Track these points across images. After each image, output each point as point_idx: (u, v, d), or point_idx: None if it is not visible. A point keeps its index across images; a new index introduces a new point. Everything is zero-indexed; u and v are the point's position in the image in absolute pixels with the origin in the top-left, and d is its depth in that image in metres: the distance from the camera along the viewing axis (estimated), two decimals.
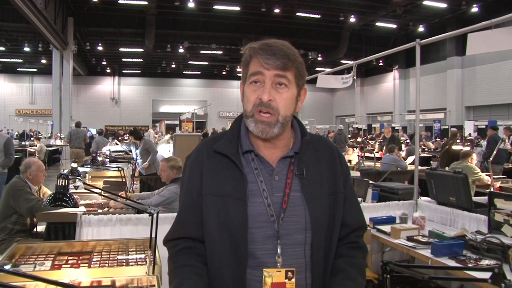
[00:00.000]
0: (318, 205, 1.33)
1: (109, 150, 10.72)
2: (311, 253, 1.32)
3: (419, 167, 4.69)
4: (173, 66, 31.09)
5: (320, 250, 1.34)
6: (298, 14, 21.28)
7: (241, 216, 1.28)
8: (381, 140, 12.52)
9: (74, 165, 5.41)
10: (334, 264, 1.39)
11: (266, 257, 1.29)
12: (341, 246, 1.43)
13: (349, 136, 20.65)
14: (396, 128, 19.66)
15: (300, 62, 1.33)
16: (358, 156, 10.86)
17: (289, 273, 1.27)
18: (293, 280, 1.27)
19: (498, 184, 6.41)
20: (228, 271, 1.30)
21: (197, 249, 1.36)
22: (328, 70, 7.70)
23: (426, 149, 14.85)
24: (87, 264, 2.56)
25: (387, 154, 8.78)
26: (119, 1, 19.40)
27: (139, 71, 33.98)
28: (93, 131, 23.44)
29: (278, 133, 1.32)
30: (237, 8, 20.57)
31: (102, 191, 4.00)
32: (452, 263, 2.79)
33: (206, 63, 29.78)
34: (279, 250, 1.28)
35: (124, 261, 2.64)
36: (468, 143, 11.33)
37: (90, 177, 6.44)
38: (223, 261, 1.30)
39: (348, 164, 9.40)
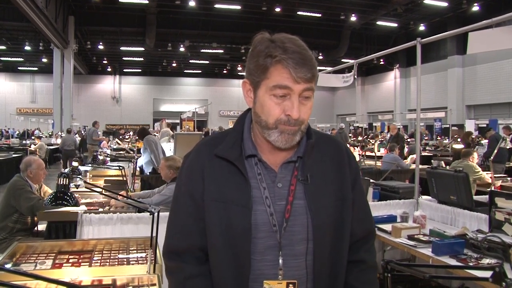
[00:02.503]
0: (322, 213, 1.27)
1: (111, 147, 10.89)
2: (313, 264, 1.27)
3: (420, 166, 4.69)
4: (174, 65, 31.11)
5: (324, 260, 1.28)
6: (298, 13, 21.28)
7: (245, 224, 1.22)
8: (382, 139, 12.51)
9: (75, 164, 5.41)
10: None
11: (266, 268, 1.24)
12: (350, 271, 1.36)
13: (350, 135, 20.68)
14: (397, 126, 19.66)
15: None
16: (359, 155, 10.86)
17: (291, 285, 1.23)
18: None
19: (499, 183, 6.40)
20: (230, 281, 1.25)
21: (204, 275, 1.30)
22: (329, 69, 7.69)
23: (427, 149, 14.83)
24: (88, 263, 2.57)
25: (387, 152, 8.79)
26: (119, 0, 19.40)
27: (140, 70, 34.02)
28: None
29: (298, 141, 1.26)
30: (238, 7, 20.57)
31: (103, 190, 4.00)
32: (453, 262, 2.78)
33: (207, 62, 29.82)
34: (280, 262, 1.23)
35: (125, 260, 2.64)
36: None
37: (91, 176, 6.44)
38: (225, 271, 1.26)
39: None
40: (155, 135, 10.39)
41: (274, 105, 1.21)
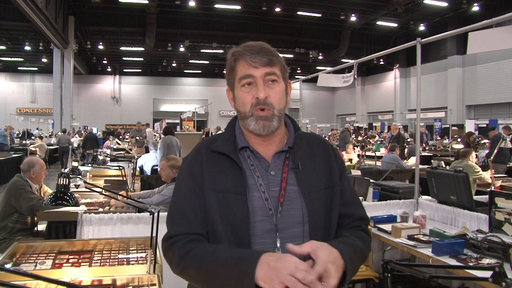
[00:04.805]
0: (315, 198, 1.35)
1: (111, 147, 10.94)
2: None
3: (420, 166, 4.69)
4: (174, 65, 31.11)
5: None
6: (299, 13, 21.28)
7: (243, 210, 1.30)
8: (383, 139, 12.48)
9: (75, 164, 5.42)
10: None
11: (265, 250, 1.27)
12: (343, 229, 1.42)
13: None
14: (398, 127, 19.65)
15: (281, 58, 1.39)
16: (358, 155, 10.86)
17: None
18: None
19: (499, 183, 6.40)
20: None
21: (206, 242, 1.35)
22: (329, 69, 7.70)
23: (427, 148, 14.81)
24: (88, 263, 2.56)
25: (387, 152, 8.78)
26: (120, 0, 19.40)
27: (140, 70, 34.03)
28: (94, 130, 23.51)
29: (276, 127, 1.36)
30: (238, 7, 20.58)
31: (103, 190, 4.00)
32: (453, 262, 2.78)
33: (207, 62, 29.80)
34: (278, 244, 1.30)
35: (125, 260, 2.64)
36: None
37: (91, 176, 6.44)
38: None
39: (349, 163, 9.40)
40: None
41: (244, 94, 1.35)
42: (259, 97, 1.32)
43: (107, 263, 2.58)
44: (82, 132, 22.49)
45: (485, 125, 18.12)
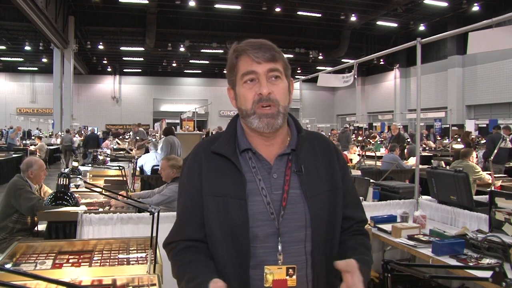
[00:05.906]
0: (318, 202, 1.33)
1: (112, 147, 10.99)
2: (312, 250, 1.32)
3: (420, 166, 4.69)
4: (174, 65, 31.11)
5: (320, 247, 1.33)
6: (299, 13, 21.28)
7: (241, 216, 1.28)
8: (383, 139, 12.46)
9: (75, 164, 5.42)
10: (341, 246, 1.40)
11: (267, 255, 1.29)
12: (345, 234, 1.44)
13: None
14: (398, 127, 19.64)
15: (283, 55, 1.37)
16: (359, 155, 10.86)
17: (290, 270, 1.28)
18: (294, 277, 1.28)
19: (499, 183, 6.40)
20: (231, 270, 1.30)
21: (198, 248, 1.35)
22: (329, 69, 7.69)
23: (427, 148, 14.82)
24: (88, 263, 2.56)
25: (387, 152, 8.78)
26: (120, 0, 19.40)
27: (140, 70, 34.03)
28: (94, 130, 23.52)
29: (281, 125, 1.33)
30: (238, 7, 20.58)
31: (103, 190, 4.00)
32: (453, 262, 2.78)
33: (207, 62, 29.79)
34: (280, 248, 1.28)
35: (125, 260, 2.64)
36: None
37: (91, 176, 6.44)
38: (226, 260, 1.30)
39: (349, 163, 9.40)
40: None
41: (247, 91, 1.32)
42: (262, 93, 1.29)
43: (107, 263, 2.57)
44: (82, 132, 22.51)
45: (485, 125, 18.11)
